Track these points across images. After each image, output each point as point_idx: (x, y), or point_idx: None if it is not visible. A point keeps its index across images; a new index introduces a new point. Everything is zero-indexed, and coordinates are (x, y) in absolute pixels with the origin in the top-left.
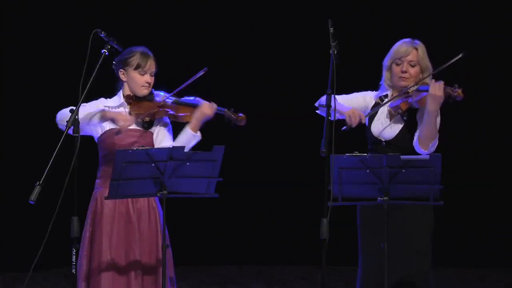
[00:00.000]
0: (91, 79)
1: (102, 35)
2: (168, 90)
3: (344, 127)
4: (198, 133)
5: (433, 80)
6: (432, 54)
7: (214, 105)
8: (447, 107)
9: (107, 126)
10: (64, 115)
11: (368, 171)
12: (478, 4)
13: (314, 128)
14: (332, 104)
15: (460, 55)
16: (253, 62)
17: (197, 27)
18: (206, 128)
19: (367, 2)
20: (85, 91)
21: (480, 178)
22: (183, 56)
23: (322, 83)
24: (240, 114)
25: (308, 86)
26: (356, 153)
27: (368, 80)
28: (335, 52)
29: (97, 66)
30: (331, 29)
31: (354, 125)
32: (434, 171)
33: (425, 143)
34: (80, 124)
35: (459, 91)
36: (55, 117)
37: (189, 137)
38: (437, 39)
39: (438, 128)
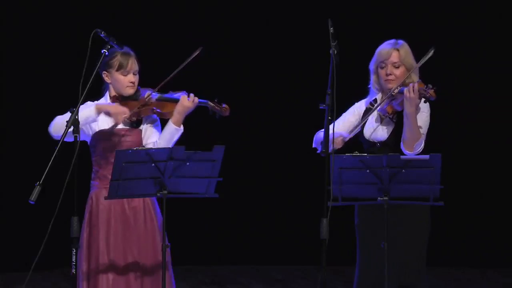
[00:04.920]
0: (91, 79)
1: (102, 35)
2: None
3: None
4: (181, 127)
5: (409, 81)
6: (433, 54)
7: (196, 98)
8: (447, 107)
9: (98, 127)
10: (58, 124)
11: (368, 171)
12: (478, 4)
13: (314, 128)
14: (331, 135)
15: (430, 53)
16: (253, 62)
17: (197, 27)
18: (205, 128)
19: (367, 2)
20: (85, 91)
21: (480, 178)
22: (183, 55)
23: (322, 83)
24: (224, 105)
25: (308, 86)
26: (356, 153)
27: (368, 80)
28: (335, 52)
29: (97, 66)
30: (331, 29)
31: (338, 146)
32: (434, 171)
33: (409, 144)
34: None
35: (431, 91)
36: (55, 117)
37: (172, 132)
38: (437, 39)
39: (425, 128)
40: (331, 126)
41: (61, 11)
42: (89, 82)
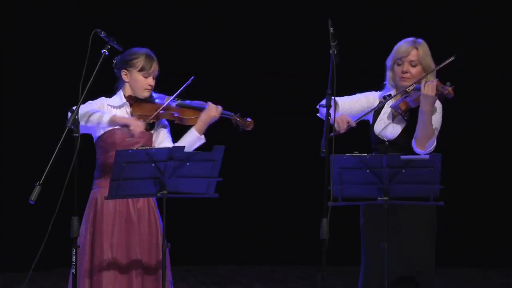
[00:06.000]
0: (91, 79)
1: (102, 35)
2: (166, 91)
3: (332, 133)
4: (203, 136)
5: (425, 80)
6: (434, 53)
7: (220, 108)
8: (447, 106)
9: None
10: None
11: (368, 171)
12: (481, 3)
13: (314, 128)
14: (332, 109)
15: (451, 58)
16: (253, 62)
17: (196, 27)
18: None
19: (367, 2)
20: (85, 91)
21: (480, 178)
22: (183, 57)
23: (322, 83)
24: (248, 119)
25: (308, 86)
26: (356, 153)
27: (368, 80)
28: (335, 52)
29: (97, 66)
30: (331, 29)
31: (342, 131)
32: (434, 171)
33: (421, 143)
34: (87, 125)
35: (450, 89)
36: (55, 117)
37: (194, 139)
38: (439, 38)
39: (438, 128)
40: (331, 114)
41: (61, 11)
42: (89, 82)
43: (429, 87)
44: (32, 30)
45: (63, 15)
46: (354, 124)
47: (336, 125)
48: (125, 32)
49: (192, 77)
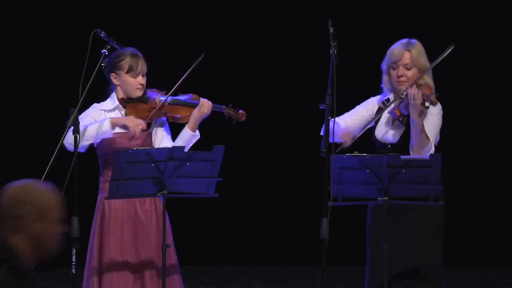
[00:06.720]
0: (91, 79)
1: (102, 35)
2: (166, 87)
3: (339, 148)
4: (197, 132)
5: (411, 88)
6: (436, 52)
7: (210, 104)
8: (447, 107)
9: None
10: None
11: (368, 171)
12: (483, 3)
13: (314, 128)
14: (331, 127)
15: (451, 47)
16: (253, 62)
17: (196, 26)
18: (206, 128)
19: (367, 2)
20: (85, 91)
21: (480, 178)
22: (182, 55)
23: (322, 83)
24: (240, 111)
25: (308, 86)
26: (356, 153)
27: (368, 80)
28: (335, 52)
29: (97, 66)
30: (331, 29)
31: (346, 145)
32: (434, 171)
33: (416, 151)
34: (87, 143)
35: (432, 97)
36: (55, 117)
37: (188, 137)
38: (439, 37)
39: (435, 135)
40: (331, 125)
41: (61, 11)
42: (89, 82)
43: (412, 96)
44: (32, 30)
45: (63, 15)
46: (357, 136)
47: (343, 140)
48: (125, 32)
49: (203, 54)
